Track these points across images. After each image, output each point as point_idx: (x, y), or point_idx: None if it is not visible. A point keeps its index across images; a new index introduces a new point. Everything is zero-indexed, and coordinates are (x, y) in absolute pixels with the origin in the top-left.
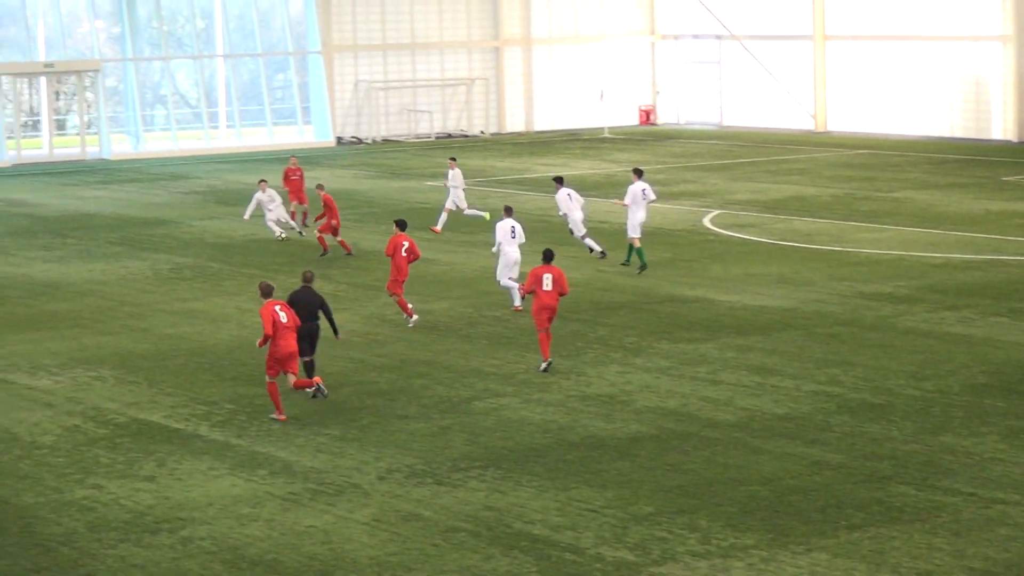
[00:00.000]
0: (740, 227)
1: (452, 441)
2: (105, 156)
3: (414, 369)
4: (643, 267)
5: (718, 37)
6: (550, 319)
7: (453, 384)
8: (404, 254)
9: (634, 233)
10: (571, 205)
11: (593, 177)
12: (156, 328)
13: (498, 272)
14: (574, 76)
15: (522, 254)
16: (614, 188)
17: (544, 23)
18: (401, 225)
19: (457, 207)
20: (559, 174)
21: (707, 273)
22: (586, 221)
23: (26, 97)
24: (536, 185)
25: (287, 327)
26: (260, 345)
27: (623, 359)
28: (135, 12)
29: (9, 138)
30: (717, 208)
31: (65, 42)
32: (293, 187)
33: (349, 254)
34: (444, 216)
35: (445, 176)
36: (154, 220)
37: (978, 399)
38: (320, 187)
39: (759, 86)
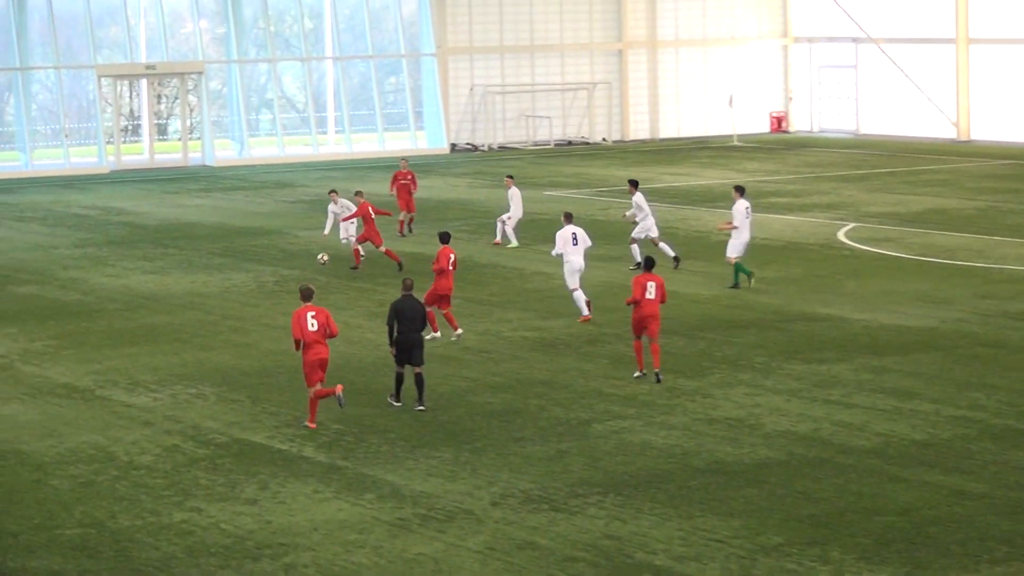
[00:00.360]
0: (877, 241)
1: (570, 465)
2: (208, 162)
3: (530, 389)
4: (750, 275)
5: (855, 40)
6: (656, 328)
7: (571, 405)
8: (451, 267)
9: (734, 253)
10: (648, 210)
11: (721, 188)
12: (260, 343)
13: (566, 281)
14: (702, 81)
15: (587, 260)
16: None
17: (670, 24)
18: (444, 238)
19: (503, 220)
20: (635, 178)
21: (841, 290)
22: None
23: (126, 100)
24: (662, 196)
25: (316, 335)
26: (296, 350)
27: (752, 380)
28: (240, 12)
29: (108, 143)
30: (852, 221)
31: (167, 43)
32: (402, 192)
33: (355, 268)
34: (505, 228)
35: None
36: (259, 230)
37: None
38: (359, 193)
39: (898, 92)
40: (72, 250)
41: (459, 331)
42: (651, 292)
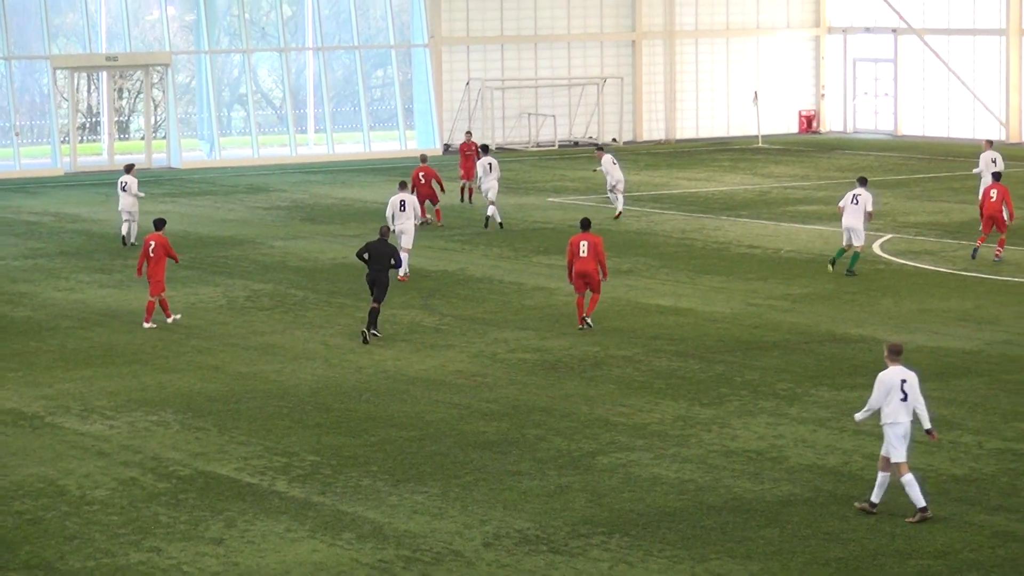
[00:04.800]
0: (915, 254)
1: (571, 502)
2: (174, 164)
3: (528, 417)
4: (833, 262)
5: (894, 31)
6: (588, 285)
7: (574, 435)
8: (151, 254)
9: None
10: (491, 176)
11: (744, 194)
12: (228, 366)
13: (400, 241)
14: (724, 75)
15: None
16: (767, 207)
17: (690, 13)
18: (158, 224)
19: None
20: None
21: (875, 308)
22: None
23: (84, 95)
24: (679, 203)
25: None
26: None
27: (774, 408)
28: None
29: (63, 142)
30: (889, 232)
31: (130, 32)
32: (467, 162)
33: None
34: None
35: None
36: (229, 239)
37: None
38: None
39: (941, 88)
40: (21, 261)
41: (174, 316)
42: (584, 251)
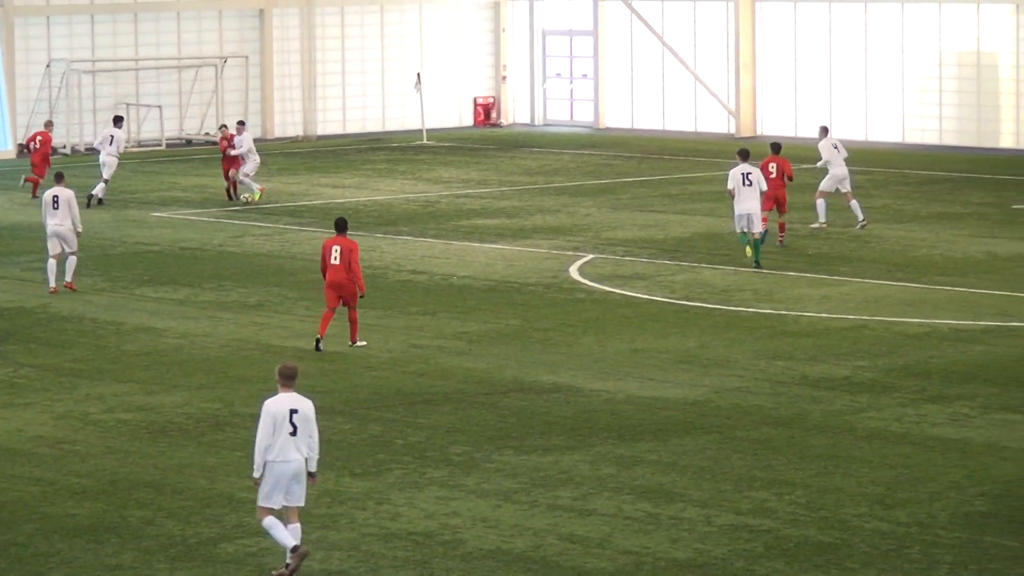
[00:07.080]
0: (624, 279)
1: None
2: None
3: (131, 495)
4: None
5: None
6: (341, 298)
7: (190, 518)
8: None
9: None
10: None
11: (405, 205)
12: None
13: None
14: (379, 54)
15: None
16: (435, 221)
17: None
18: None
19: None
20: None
21: (574, 349)
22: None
23: None
24: (320, 217)
25: None
26: None
27: (447, 478)
28: None
29: None
30: (590, 251)
31: None
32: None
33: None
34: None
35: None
36: None
37: (976, 535)
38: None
39: (655, 69)
40: None
41: None
42: (336, 257)
